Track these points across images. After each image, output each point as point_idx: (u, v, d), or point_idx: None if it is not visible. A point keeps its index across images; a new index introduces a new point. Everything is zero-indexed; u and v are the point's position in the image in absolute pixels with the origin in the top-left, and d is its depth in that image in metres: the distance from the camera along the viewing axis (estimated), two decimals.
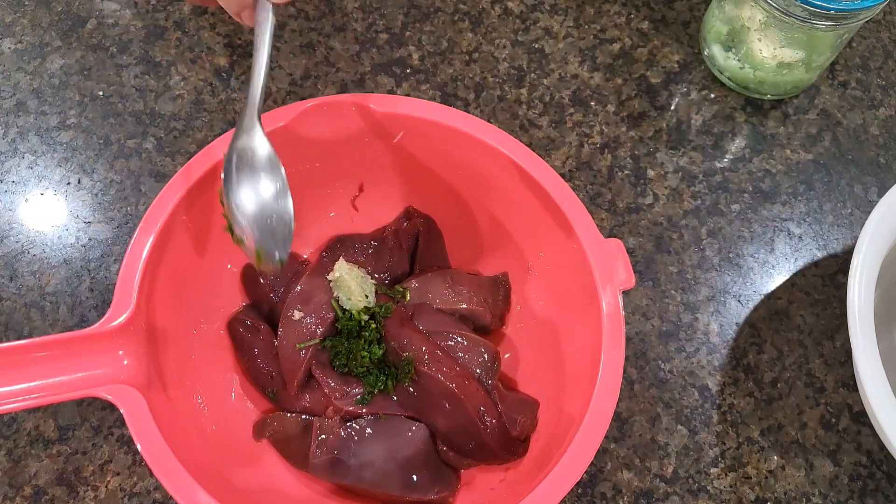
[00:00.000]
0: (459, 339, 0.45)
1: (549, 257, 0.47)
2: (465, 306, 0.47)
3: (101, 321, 0.39)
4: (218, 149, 0.43)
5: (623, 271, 0.42)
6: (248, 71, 0.58)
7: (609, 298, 0.41)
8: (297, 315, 0.46)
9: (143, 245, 0.41)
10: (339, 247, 0.50)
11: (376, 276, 0.49)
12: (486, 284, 0.49)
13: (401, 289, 0.48)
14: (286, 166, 0.47)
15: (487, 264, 0.52)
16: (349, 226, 0.52)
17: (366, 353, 0.45)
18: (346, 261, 0.48)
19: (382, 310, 0.46)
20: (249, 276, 0.48)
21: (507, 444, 0.44)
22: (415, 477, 0.42)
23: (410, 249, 0.50)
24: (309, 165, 0.48)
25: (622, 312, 0.41)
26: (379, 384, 0.45)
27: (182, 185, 0.43)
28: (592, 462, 0.48)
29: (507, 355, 0.49)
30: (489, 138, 0.45)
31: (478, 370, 0.44)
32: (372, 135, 0.47)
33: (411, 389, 0.45)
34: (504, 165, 0.45)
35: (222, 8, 0.60)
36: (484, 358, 0.45)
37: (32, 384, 0.38)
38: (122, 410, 0.37)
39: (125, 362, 0.39)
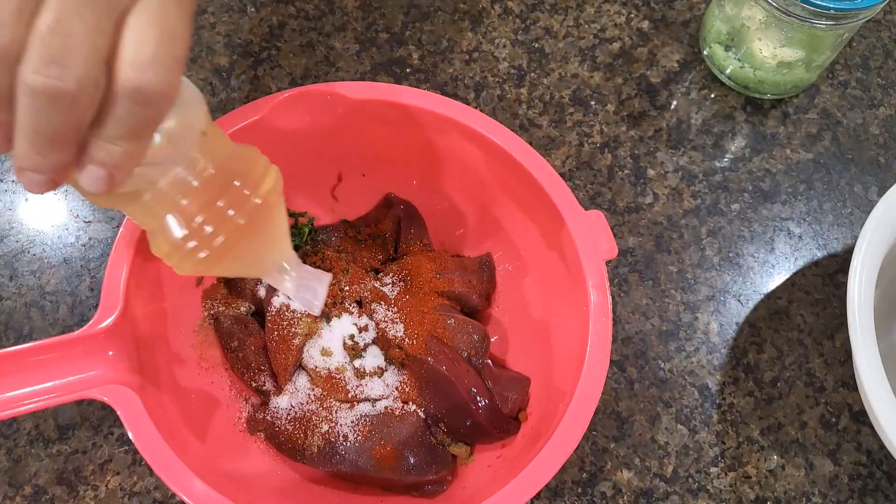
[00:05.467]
0: (447, 320, 0.46)
1: (531, 234, 0.48)
2: (450, 288, 0.48)
3: (90, 323, 0.39)
4: None
5: (605, 242, 0.42)
6: (248, 70, 0.58)
7: (593, 269, 0.42)
8: (284, 307, 0.46)
9: (126, 245, 0.41)
10: (321, 238, 0.50)
11: (359, 264, 0.49)
12: (471, 266, 0.49)
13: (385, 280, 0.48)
14: None
15: (471, 245, 0.52)
16: (330, 216, 0.52)
17: (357, 346, 0.45)
18: (329, 251, 0.48)
19: (368, 296, 0.47)
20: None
21: (500, 422, 0.44)
22: (411, 459, 0.43)
23: (393, 236, 0.50)
24: (286, 158, 0.48)
25: (607, 282, 0.41)
26: (368, 370, 0.45)
27: None
28: (592, 461, 0.48)
29: (494, 338, 0.49)
30: (462, 117, 0.45)
31: (467, 351, 0.45)
32: (349, 123, 0.47)
33: (402, 373, 0.45)
34: (480, 144, 0.46)
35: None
36: (473, 338, 0.45)
37: (24, 391, 0.38)
38: (117, 410, 0.37)
39: (117, 363, 0.39)
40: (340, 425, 0.43)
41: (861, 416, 0.50)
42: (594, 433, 0.49)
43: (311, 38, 0.60)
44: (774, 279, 0.54)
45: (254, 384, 0.46)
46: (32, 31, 0.26)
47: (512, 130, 0.45)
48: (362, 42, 0.60)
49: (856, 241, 0.45)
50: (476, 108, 0.58)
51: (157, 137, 0.30)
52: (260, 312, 0.48)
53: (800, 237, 0.56)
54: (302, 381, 0.46)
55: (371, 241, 0.50)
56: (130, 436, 0.37)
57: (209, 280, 0.48)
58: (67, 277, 0.52)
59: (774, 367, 0.52)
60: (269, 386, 0.46)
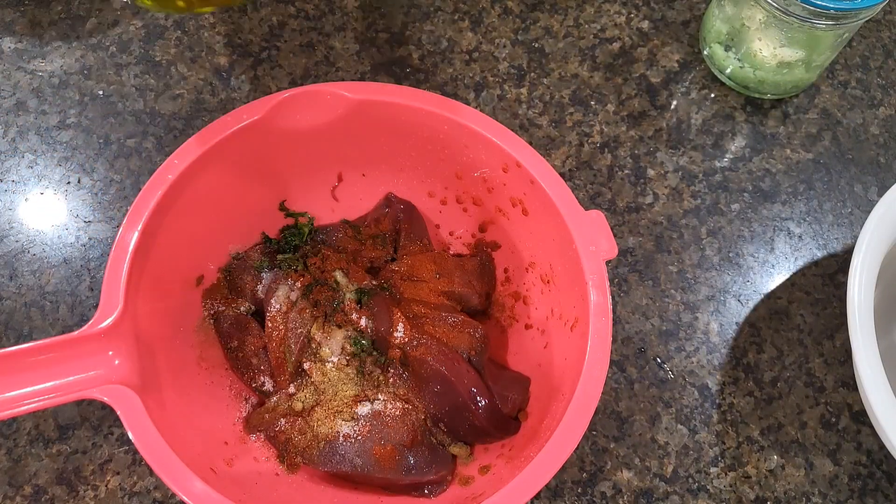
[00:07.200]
0: (447, 320, 0.46)
1: (531, 234, 0.48)
2: (450, 288, 0.48)
3: (90, 323, 0.39)
4: (197, 144, 0.44)
5: (605, 241, 0.42)
6: (248, 70, 0.58)
7: (593, 269, 0.42)
8: (284, 308, 0.46)
9: (127, 244, 0.41)
10: (321, 238, 0.50)
11: (360, 264, 0.49)
12: (471, 266, 0.49)
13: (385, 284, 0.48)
14: (263, 161, 0.47)
15: (470, 246, 0.52)
16: (330, 216, 0.52)
17: (356, 346, 0.45)
18: (329, 251, 0.48)
19: (367, 295, 0.47)
20: (234, 272, 0.48)
21: (500, 422, 0.44)
22: (411, 459, 0.43)
23: (392, 236, 0.50)
24: (286, 158, 0.48)
25: (607, 282, 0.41)
26: (368, 370, 0.45)
27: (166, 180, 0.43)
28: (592, 461, 0.48)
29: (494, 336, 0.49)
30: (462, 117, 0.45)
31: (467, 351, 0.45)
32: (349, 123, 0.47)
33: (401, 373, 0.45)
34: (480, 144, 0.46)
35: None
36: (473, 338, 0.45)
37: (24, 391, 0.38)
38: (117, 410, 0.37)
39: (116, 363, 0.39)
40: (340, 425, 0.43)
41: (861, 416, 0.50)
42: (594, 433, 0.49)
43: (311, 38, 0.60)
44: (774, 279, 0.54)
45: (254, 384, 0.46)
46: None
47: (512, 130, 0.45)
48: (362, 42, 0.60)
49: (856, 241, 0.45)
50: (476, 108, 0.58)
51: None
52: (260, 312, 0.48)
53: (800, 237, 0.56)
54: (302, 381, 0.46)
55: (371, 241, 0.50)
56: (130, 436, 0.37)
57: (210, 280, 0.48)
58: (67, 277, 0.52)
59: (774, 367, 0.52)
60: (268, 386, 0.46)
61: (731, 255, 0.55)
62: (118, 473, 0.47)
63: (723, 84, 0.60)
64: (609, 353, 0.40)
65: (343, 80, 0.59)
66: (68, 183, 0.54)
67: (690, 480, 0.48)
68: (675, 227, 0.55)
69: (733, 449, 0.49)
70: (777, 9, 0.51)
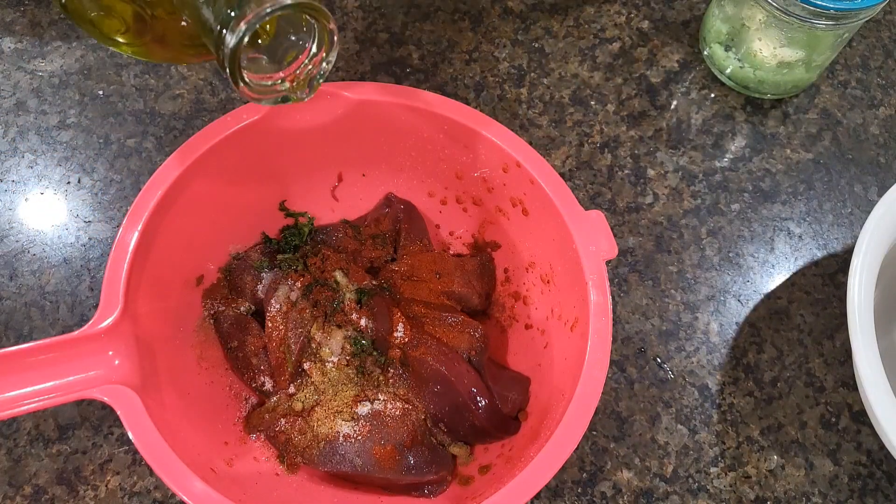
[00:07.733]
0: (447, 320, 0.46)
1: (531, 234, 0.48)
2: (450, 288, 0.48)
3: (90, 323, 0.39)
4: (197, 144, 0.44)
5: (605, 241, 0.42)
6: None
7: (593, 269, 0.42)
8: (284, 308, 0.46)
9: (127, 244, 0.41)
10: (321, 238, 0.50)
11: (360, 264, 0.49)
12: (471, 266, 0.49)
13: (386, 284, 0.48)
14: (263, 161, 0.47)
15: (471, 246, 0.52)
16: (330, 216, 0.52)
17: (356, 346, 0.45)
18: (329, 251, 0.48)
19: (367, 295, 0.47)
20: (234, 272, 0.48)
21: (500, 422, 0.44)
22: (411, 459, 0.43)
23: (392, 236, 0.50)
24: (286, 158, 0.48)
25: (607, 282, 0.41)
26: (368, 370, 0.45)
27: (166, 180, 0.43)
28: (592, 461, 0.48)
29: (494, 336, 0.49)
30: (461, 117, 0.45)
31: (467, 351, 0.45)
32: (349, 123, 0.47)
33: (402, 373, 0.45)
34: (480, 144, 0.46)
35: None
36: (473, 338, 0.45)
37: (24, 391, 0.38)
38: (117, 410, 0.37)
39: (116, 363, 0.39)
40: (340, 425, 0.44)
41: (861, 416, 0.50)
42: (594, 433, 0.49)
43: None
44: (774, 279, 0.54)
45: (254, 384, 0.46)
46: None
47: (512, 130, 0.45)
48: (362, 42, 0.60)
49: (856, 241, 0.45)
50: (476, 107, 0.58)
51: None
52: (260, 312, 0.48)
53: (800, 237, 0.56)
54: (302, 381, 0.46)
55: (371, 241, 0.50)
56: (130, 436, 0.37)
57: (210, 280, 0.48)
58: (67, 277, 0.52)
59: (774, 367, 0.52)
60: (268, 386, 0.46)
61: (731, 255, 0.55)
62: (118, 473, 0.47)
63: (723, 84, 0.60)
64: (609, 353, 0.40)
65: (343, 80, 0.58)
66: (68, 183, 0.54)
67: (690, 480, 0.48)
68: (675, 227, 0.55)
69: (733, 449, 0.49)
70: (777, 9, 0.51)
